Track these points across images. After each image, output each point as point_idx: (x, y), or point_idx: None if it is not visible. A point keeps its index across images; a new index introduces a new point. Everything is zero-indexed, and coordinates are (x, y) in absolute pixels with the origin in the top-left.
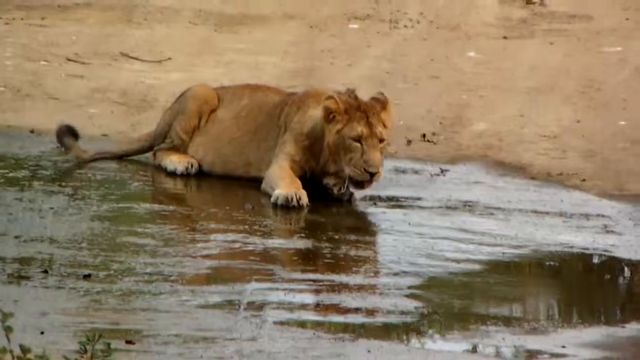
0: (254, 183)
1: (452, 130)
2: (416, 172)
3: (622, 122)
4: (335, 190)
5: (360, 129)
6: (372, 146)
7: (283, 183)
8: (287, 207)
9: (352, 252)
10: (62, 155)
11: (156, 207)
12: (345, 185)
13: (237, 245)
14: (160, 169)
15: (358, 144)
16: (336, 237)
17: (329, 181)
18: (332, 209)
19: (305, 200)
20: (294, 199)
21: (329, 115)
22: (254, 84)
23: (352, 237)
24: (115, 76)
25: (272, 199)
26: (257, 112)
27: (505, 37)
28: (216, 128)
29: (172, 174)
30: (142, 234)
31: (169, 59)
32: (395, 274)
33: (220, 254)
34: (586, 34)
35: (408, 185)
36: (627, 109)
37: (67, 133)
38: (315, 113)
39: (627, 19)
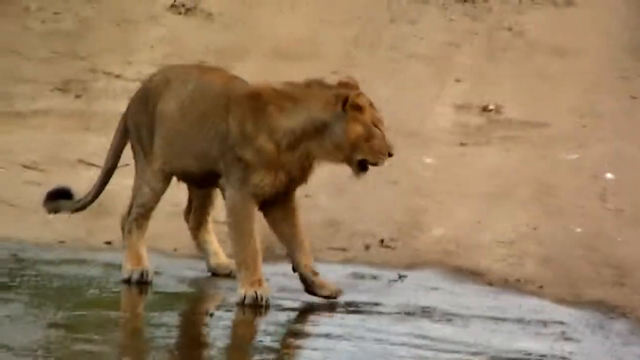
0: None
1: (410, 236)
2: (374, 277)
3: (579, 229)
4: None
5: (378, 115)
6: (384, 129)
7: (248, 274)
8: (254, 305)
9: (309, 359)
10: (18, 263)
11: (112, 314)
12: (357, 168)
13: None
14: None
15: (379, 130)
16: (295, 343)
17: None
18: (290, 313)
19: (269, 295)
20: (263, 299)
21: (357, 110)
22: (204, 64)
23: (309, 342)
24: (73, 183)
25: (238, 299)
26: (200, 100)
27: (462, 144)
28: (166, 124)
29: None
30: (98, 341)
31: (127, 165)
32: None
33: None
34: (542, 141)
35: (366, 291)
36: (583, 216)
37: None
38: (302, 112)
39: (584, 126)
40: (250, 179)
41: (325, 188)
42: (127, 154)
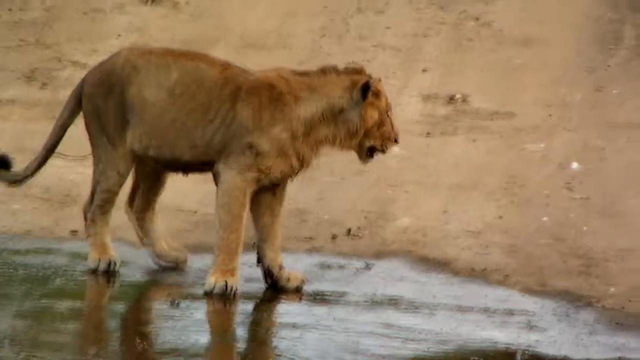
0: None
1: (377, 225)
2: (341, 267)
3: (545, 218)
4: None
5: (389, 101)
6: (392, 116)
7: (225, 260)
8: (222, 295)
9: (277, 348)
10: None
11: (78, 304)
12: (367, 154)
13: (157, 343)
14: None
15: (388, 117)
16: (262, 332)
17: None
18: (257, 303)
19: (237, 286)
20: (232, 289)
21: (374, 95)
22: (176, 50)
23: (276, 332)
24: (39, 172)
25: (207, 287)
26: (196, 89)
27: (428, 134)
28: (151, 112)
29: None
30: (64, 331)
31: (86, 156)
32: None
33: (140, 353)
34: (509, 131)
35: (333, 280)
36: (550, 205)
37: None
38: (320, 100)
39: (550, 115)
40: (259, 166)
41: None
42: (88, 144)
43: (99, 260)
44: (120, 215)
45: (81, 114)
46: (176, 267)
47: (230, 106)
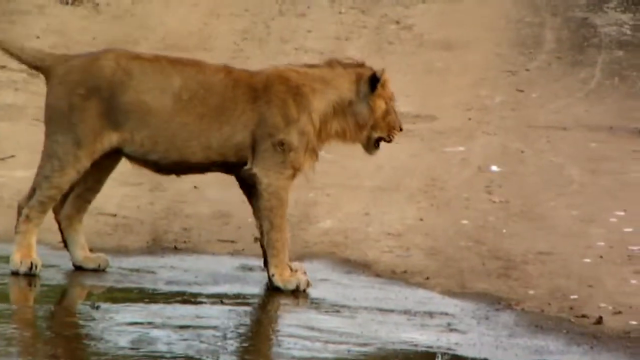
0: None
1: (300, 228)
2: (263, 269)
3: (465, 222)
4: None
5: (391, 91)
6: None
7: (282, 259)
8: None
9: (198, 351)
10: None
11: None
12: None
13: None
14: None
15: (392, 106)
16: (179, 334)
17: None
18: (176, 305)
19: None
20: (307, 284)
21: (382, 86)
22: (164, 55)
23: (194, 334)
24: None
25: (285, 286)
26: (206, 95)
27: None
28: (157, 118)
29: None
30: None
31: (12, 156)
32: None
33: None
34: (430, 134)
35: (255, 283)
36: (469, 208)
37: None
38: (332, 93)
39: (470, 119)
40: (292, 162)
41: (214, 180)
42: (9, 145)
43: (21, 262)
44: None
45: None
46: (97, 269)
47: (248, 106)
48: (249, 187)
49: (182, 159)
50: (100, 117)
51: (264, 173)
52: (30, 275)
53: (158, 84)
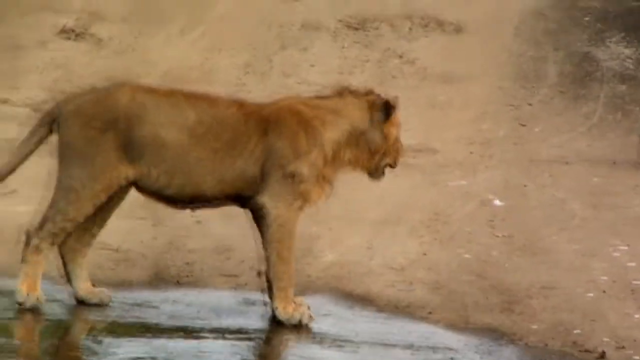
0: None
1: (303, 262)
2: (265, 304)
3: (467, 256)
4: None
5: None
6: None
7: (288, 294)
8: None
9: None
10: None
11: (2, 340)
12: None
13: None
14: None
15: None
16: None
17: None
18: (177, 339)
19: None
20: (309, 318)
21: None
22: (178, 89)
23: None
24: None
25: (284, 317)
26: (219, 129)
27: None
28: (173, 153)
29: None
30: None
31: (14, 191)
32: None
33: None
34: (432, 168)
35: (257, 317)
36: (472, 242)
37: None
38: (344, 123)
39: (472, 152)
40: (303, 193)
41: (217, 214)
42: (11, 180)
43: (28, 295)
44: None
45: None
46: (100, 304)
47: (259, 139)
48: (260, 219)
49: (197, 193)
50: (117, 150)
51: (274, 204)
52: (33, 309)
53: (173, 119)
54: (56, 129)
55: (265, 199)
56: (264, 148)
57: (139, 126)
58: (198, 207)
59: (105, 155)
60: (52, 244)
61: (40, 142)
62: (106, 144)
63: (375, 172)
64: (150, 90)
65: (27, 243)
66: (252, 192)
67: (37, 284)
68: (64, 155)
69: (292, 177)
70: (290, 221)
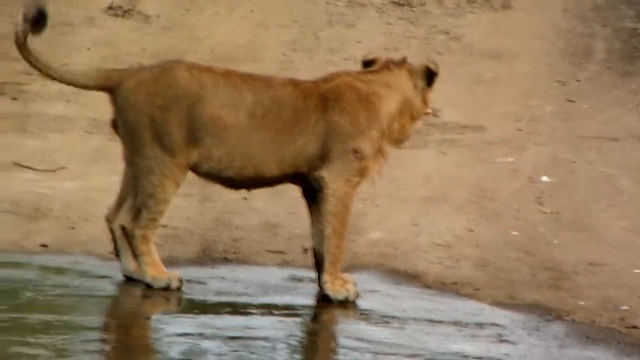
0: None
1: (349, 239)
2: (313, 280)
3: (515, 233)
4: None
5: None
6: None
7: (337, 268)
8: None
9: None
10: None
11: (49, 317)
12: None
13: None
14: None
15: None
16: (231, 346)
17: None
18: (226, 316)
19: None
20: (356, 295)
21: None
22: (236, 71)
23: (245, 346)
24: (8, 186)
25: (335, 296)
26: (278, 109)
27: (399, 147)
28: (234, 135)
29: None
30: (34, 344)
31: (63, 167)
32: None
33: None
34: (479, 145)
35: (305, 294)
36: (519, 219)
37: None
38: (396, 95)
39: (520, 129)
40: (363, 170)
41: (263, 191)
42: (59, 157)
43: (165, 278)
44: (88, 228)
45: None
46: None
47: (320, 116)
48: (312, 194)
49: (257, 174)
50: (181, 129)
51: (333, 179)
52: (170, 290)
53: (233, 100)
54: (114, 102)
55: (325, 174)
56: (325, 125)
57: (200, 106)
58: (256, 187)
59: (174, 133)
60: (155, 227)
61: (85, 87)
62: (172, 121)
63: (405, 140)
64: (207, 69)
65: (127, 237)
66: (310, 170)
67: (162, 268)
68: (132, 137)
69: (355, 154)
70: (348, 196)
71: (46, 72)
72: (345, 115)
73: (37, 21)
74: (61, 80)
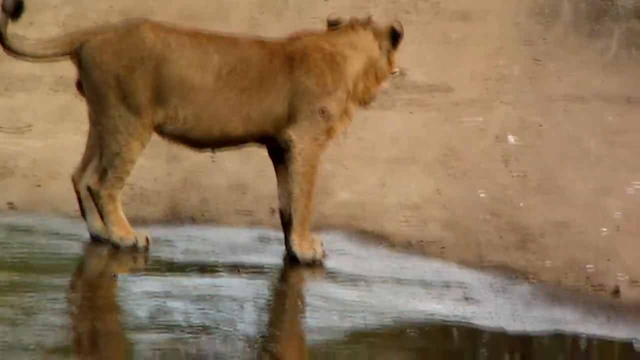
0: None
1: (317, 201)
2: (280, 240)
3: (482, 194)
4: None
5: None
6: None
7: (305, 228)
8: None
9: (215, 321)
10: None
11: (16, 276)
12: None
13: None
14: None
15: None
16: (197, 306)
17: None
18: (192, 275)
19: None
20: (322, 255)
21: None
22: (199, 30)
23: (212, 306)
24: None
25: (303, 257)
26: (244, 69)
27: (366, 108)
28: (200, 95)
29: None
30: (1, 303)
31: (29, 126)
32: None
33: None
34: (446, 105)
35: (272, 254)
36: (487, 179)
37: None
38: (361, 56)
39: (486, 89)
40: (329, 130)
41: (232, 152)
42: (25, 116)
43: (132, 238)
44: (56, 188)
45: None
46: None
47: (286, 77)
48: (279, 154)
49: (224, 134)
50: (146, 90)
51: (300, 139)
52: (143, 250)
53: (199, 60)
54: (78, 64)
55: (292, 133)
56: (291, 86)
57: (166, 66)
58: (220, 149)
59: (139, 93)
60: (121, 187)
61: (55, 55)
62: (137, 81)
63: (370, 101)
64: (173, 30)
65: (94, 197)
66: (276, 131)
67: (129, 227)
68: (97, 96)
69: (322, 114)
70: (315, 156)
71: (22, 55)
72: (311, 76)
73: (15, 12)
74: (34, 56)
